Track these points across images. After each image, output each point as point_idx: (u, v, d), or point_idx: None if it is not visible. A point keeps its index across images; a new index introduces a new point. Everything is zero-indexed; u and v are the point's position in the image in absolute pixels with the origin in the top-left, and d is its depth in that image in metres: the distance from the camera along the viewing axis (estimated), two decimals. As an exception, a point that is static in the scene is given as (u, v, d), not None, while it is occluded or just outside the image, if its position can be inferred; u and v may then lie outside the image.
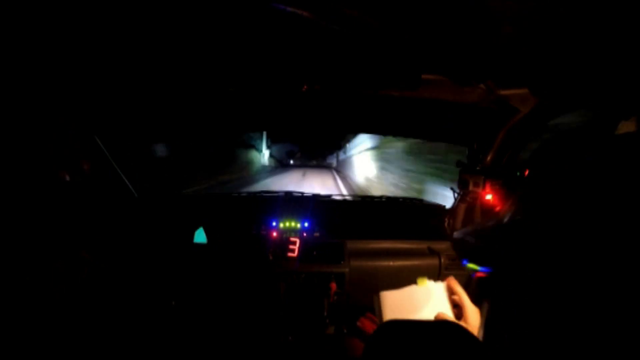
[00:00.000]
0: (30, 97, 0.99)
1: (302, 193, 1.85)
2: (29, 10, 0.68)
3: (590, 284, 0.37)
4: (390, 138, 8.26)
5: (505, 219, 0.95)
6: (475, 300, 0.82)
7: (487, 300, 0.86)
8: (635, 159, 0.37)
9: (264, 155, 22.65)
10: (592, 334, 0.36)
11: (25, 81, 0.93)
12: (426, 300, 0.91)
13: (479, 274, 1.10)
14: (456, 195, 1.49)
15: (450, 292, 0.90)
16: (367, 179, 12.05)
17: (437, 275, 1.46)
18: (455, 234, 1.50)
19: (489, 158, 1.25)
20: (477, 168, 1.28)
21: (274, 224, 1.55)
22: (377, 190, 9.33)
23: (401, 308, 0.96)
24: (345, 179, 16.81)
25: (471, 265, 1.14)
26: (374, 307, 0.99)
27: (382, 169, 9.93)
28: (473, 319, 0.79)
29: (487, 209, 1.31)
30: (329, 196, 1.95)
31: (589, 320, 0.36)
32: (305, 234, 1.53)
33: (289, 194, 1.84)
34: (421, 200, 2.02)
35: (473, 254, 1.11)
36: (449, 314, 0.85)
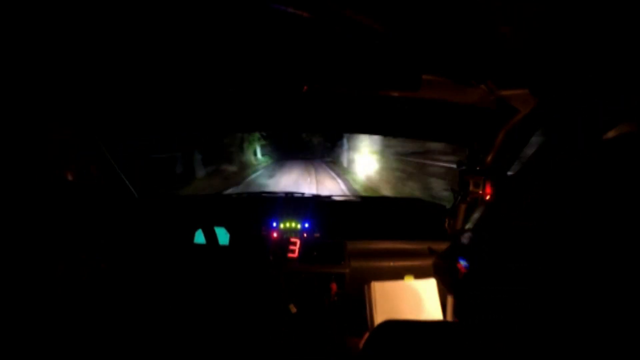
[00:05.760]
0: (31, 98, 0.99)
1: (303, 194, 1.86)
2: (29, 10, 0.68)
3: (589, 283, 0.37)
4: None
5: (503, 218, 0.95)
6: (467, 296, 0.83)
7: (471, 295, 0.88)
8: (635, 159, 0.37)
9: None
10: (591, 333, 0.36)
11: (26, 82, 0.94)
12: (415, 295, 0.97)
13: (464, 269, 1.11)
14: (456, 195, 1.49)
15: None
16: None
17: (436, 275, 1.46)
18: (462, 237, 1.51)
19: (489, 158, 1.25)
20: (477, 168, 1.28)
21: (274, 224, 1.55)
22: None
23: (391, 299, 1.03)
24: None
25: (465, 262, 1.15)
26: (365, 297, 1.01)
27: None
28: None
29: (487, 209, 1.31)
30: (329, 197, 1.96)
31: (587, 319, 0.36)
32: (305, 235, 1.53)
33: (289, 195, 1.84)
34: (421, 201, 2.02)
35: (468, 252, 1.12)
36: (437, 310, 0.88)
